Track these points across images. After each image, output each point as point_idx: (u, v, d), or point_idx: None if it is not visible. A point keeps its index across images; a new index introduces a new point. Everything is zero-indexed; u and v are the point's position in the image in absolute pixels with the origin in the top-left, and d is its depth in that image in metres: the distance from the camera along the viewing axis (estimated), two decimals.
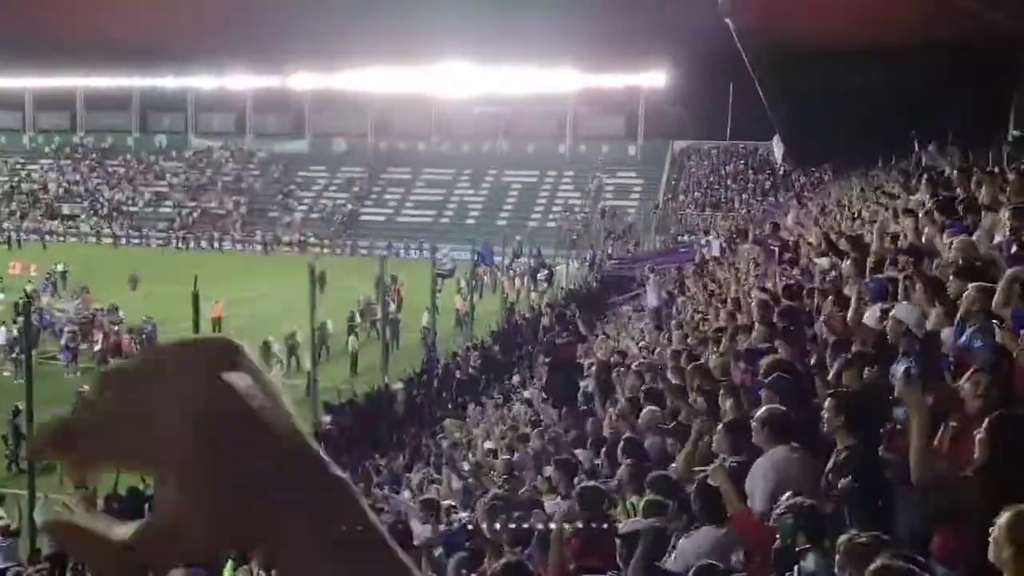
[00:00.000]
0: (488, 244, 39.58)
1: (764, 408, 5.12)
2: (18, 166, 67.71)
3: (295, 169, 63.59)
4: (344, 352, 25.35)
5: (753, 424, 4.98)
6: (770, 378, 6.38)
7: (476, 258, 35.19)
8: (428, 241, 41.58)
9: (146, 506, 12.20)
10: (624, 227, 51.33)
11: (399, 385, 20.02)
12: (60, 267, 36.05)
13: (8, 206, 62.41)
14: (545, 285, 34.83)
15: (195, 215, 59.55)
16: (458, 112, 61.90)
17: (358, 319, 28.05)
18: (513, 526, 5.79)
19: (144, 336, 26.00)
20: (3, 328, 24.74)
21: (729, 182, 55.67)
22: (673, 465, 6.42)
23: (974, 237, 7.33)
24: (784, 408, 5.10)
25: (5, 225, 57.01)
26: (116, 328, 26.22)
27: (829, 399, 4.87)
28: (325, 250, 48.79)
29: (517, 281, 38.03)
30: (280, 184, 62.43)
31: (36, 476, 13.67)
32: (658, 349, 12.13)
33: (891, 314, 5.93)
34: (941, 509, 3.86)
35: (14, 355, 23.00)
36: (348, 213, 58.50)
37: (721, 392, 6.60)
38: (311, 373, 21.37)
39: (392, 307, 28.83)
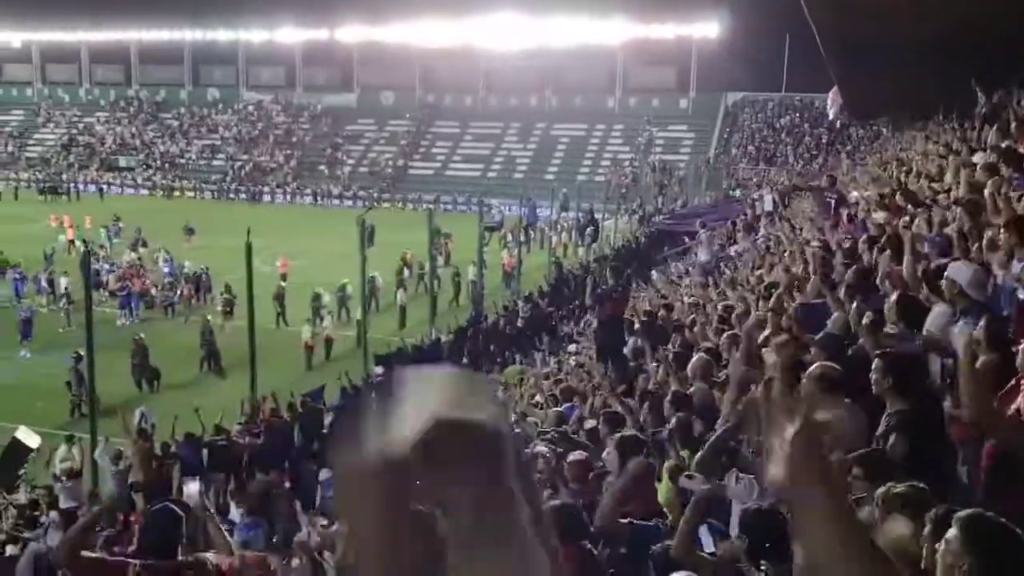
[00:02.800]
0: (532, 202, 39.42)
1: (817, 365, 5.02)
2: (75, 119, 69.01)
3: (344, 123, 63.77)
4: (392, 305, 25.60)
5: (804, 381, 4.90)
6: (820, 335, 6.27)
7: (523, 215, 35.13)
8: (475, 195, 41.50)
9: (204, 451, 12.56)
10: (674, 181, 50.65)
11: (447, 337, 20.18)
12: (115, 219, 36.84)
13: (67, 158, 63.77)
14: (592, 240, 34.63)
15: (247, 168, 60.23)
16: (506, 65, 61.27)
17: (406, 273, 28.28)
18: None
19: (200, 285, 26.65)
20: (64, 277, 25.43)
21: (783, 136, 54.47)
22: (720, 418, 6.38)
23: None
24: (837, 365, 5.01)
25: (64, 176, 58.27)
26: (168, 278, 26.80)
27: (876, 359, 4.72)
28: (375, 204, 49.01)
29: (564, 236, 37.87)
30: (329, 138, 62.73)
31: (98, 420, 14.13)
32: (708, 304, 12.00)
33: (946, 273, 5.75)
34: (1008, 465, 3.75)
35: (63, 304, 23.64)
36: (396, 167, 58.65)
37: (771, 347, 6.51)
38: (362, 324, 21.65)
39: (440, 261, 28.96)
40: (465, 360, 18.73)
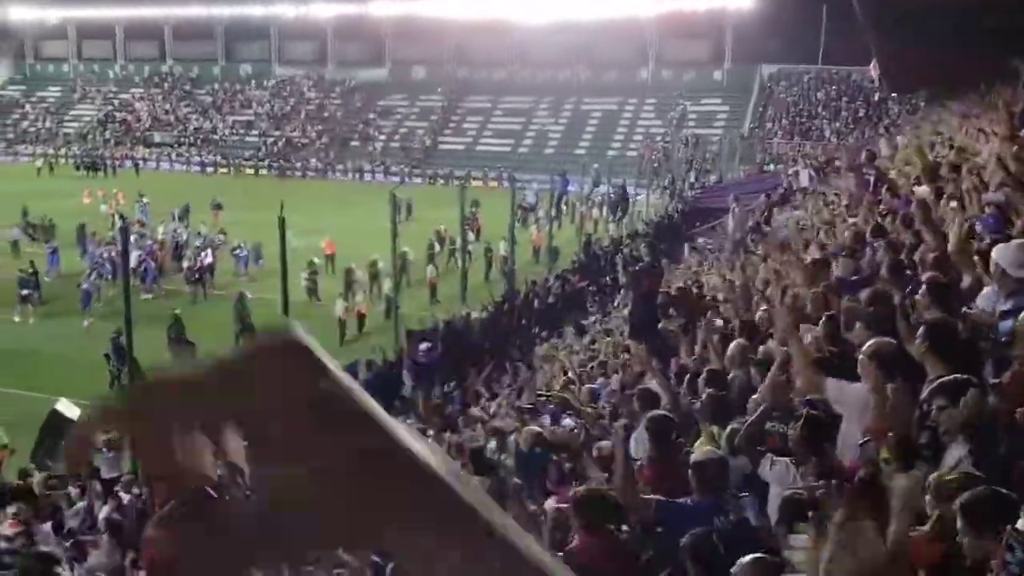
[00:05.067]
0: (565, 179, 39.22)
1: (873, 341, 4.93)
2: (111, 95, 69.69)
3: (375, 98, 63.75)
4: (423, 281, 25.66)
5: (860, 358, 4.83)
6: (866, 311, 6.16)
7: (556, 192, 34.98)
8: (507, 170, 41.38)
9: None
10: (707, 156, 50.10)
11: (477, 314, 20.19)
12: (144, 198, 37.23)
13: (103, 134, 64.49)
14: (624, 215, 34.39)
15: (279, 144, 60.52)
16: (538, 39, 60.76)
17: (437, 248, 28.32)
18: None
19: (238, 259, 27.02)
20: (104, 249, 25.78)
21: (820, 109, 53.55)
22: (755, 396, 6.31)
23: None
24: (894, 341, 4.92)
25: (101, 152, 58.98)
26: (202, 252, 27.05)
27: (921, 328, 4.72)
28: (406, 179, 49.11)
29: (595, 211, 37.66)
30: (361, 113, 62.76)
31: None
32: (741, 280, 11.85)
33: (991, 255, 5.61)
34: None
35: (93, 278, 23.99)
36: (427, 142, 58.60)
37: (812, 325, 6.40)
38: (392, 300, 21.74)
39: (471, 236, 28.95)
40: (498, 335, 18.75)
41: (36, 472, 11.54)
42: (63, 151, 59.55)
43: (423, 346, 16.83)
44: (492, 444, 8.55)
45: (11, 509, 9.05)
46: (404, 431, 0.52)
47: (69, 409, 12.91)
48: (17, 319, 22.33)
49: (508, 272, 25.42)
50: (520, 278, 23.88)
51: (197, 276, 25.15)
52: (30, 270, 23.61)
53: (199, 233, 29.61)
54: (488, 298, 20.93)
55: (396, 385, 15.85)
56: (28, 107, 69.69)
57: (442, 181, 49.44)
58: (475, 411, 12.21)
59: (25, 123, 67.70)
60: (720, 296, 10.85)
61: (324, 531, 0.49)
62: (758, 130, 52.84)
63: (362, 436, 0.50)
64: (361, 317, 22.30)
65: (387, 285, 23.24)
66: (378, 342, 18.24)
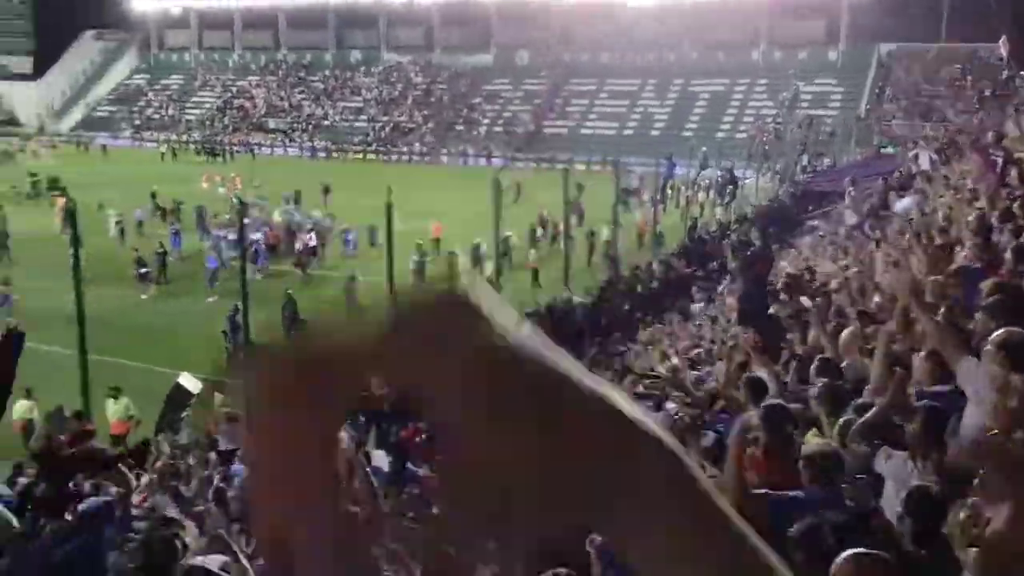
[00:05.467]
0: (671, 162, 38.58)
1: (1003, 330, 4.67)
2: (229, 82, 72.50)
3: (480, 82, 64.17)
4: (525, 264, 25.74)
5: (987, 348, 4.59)
6: (990, 300, 5.84)
7: (661, 176, 34.46)
8: (611, 154, 40.99)
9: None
10: (821, 138, 48.39)
11: (579, 298, 20.13)
12: (256, 182, 38.77)
13: (222, 120, 67.21)
14: (732, 199, 33.61)
15: (387, 129, 61.71)
16: (644, 20, 59.85)
17: (539, 232, 28.34)
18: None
19: (346, 243, 27.77)
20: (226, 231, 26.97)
21: (942, 89, 50.90)
22: (868, 386, 6.08)
23: None
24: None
25: (220, 138, 61.51)
26: (310, 235, 27.91)
27: None
28: (510, 163, 49.30)
29: (702, 195, 36.95)
30: (466, 98, 63.31)
31: None
32: (855, 268, 11.44)
33: None
34: None
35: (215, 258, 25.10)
36: (531, 126, 58.65)
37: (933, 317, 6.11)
38: (493, 283, 21.95)
39: (574, 221, 28.87)
40: (599, 320, 18.68)
41: (160, 442, 12.18)
42: (184, 137, 62.43)
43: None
44: None
45: (144, 479, 9.57)
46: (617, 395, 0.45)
47: (191, 383, 13.55)
48: (144, 296, 23.57)
49: (611, 257, 25.24)
50: (623, 263, 23.67)
51: (304, 258, 25.98)
52: (159, 249, 24.92)
53: (309, 216, 30.61)
54: (590, 283, 20.84)
55: None
56: (152, 95, 73.26)
57: (546, 165, 49.42)
58: None
59: (150, 111, 71.21)
60: (834, 283, 10.50)
61: (541, 506, 0.43)
62: (875, 111, 50.68)
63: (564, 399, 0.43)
64: None
65: (488, 268, 23.43)
66: None
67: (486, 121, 60.63)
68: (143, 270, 24.16)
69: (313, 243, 26.89)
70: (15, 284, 21.23)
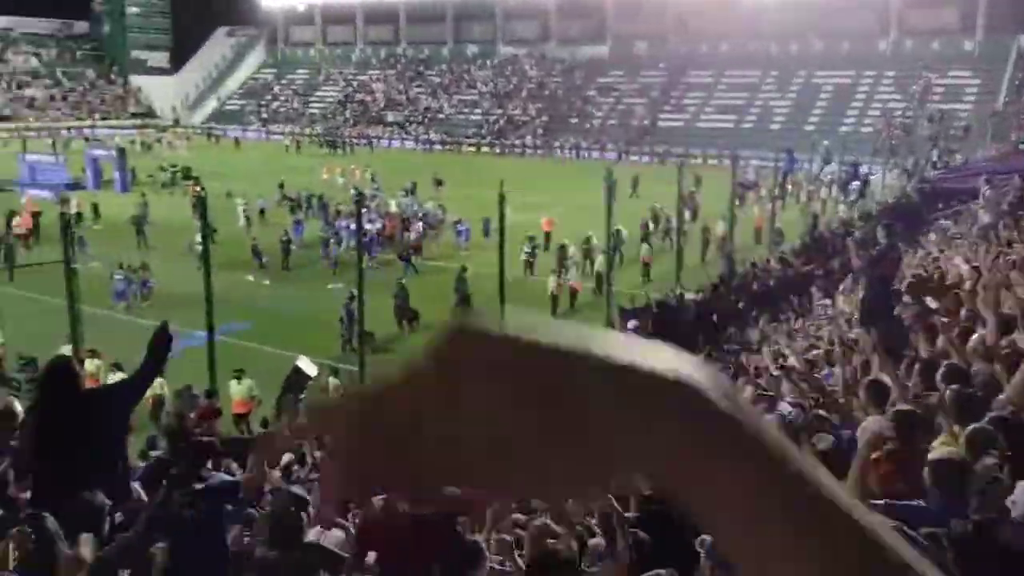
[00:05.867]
0: (791, 156, 37.40)
1: None
2: (351, 76, 74.63)
3: (595, 75, 63.83)
4: (637, 259, 25.53)
5: None
6: None
7: (781, 170, 33.41)
8: (729, 148, 40.09)
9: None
10: (954, 132, 45.92)
11: (691, 295, 19.80)
12: (369, 173, 40.00)
13: (343, 113, 69.26)
14: (857, 196, 32.31)
15: (500, 121, 62.20)
16: (766, 9, 58.17)
17: (651, 227, 28.01)
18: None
19: (459, 233, 28.19)
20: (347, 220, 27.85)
21: None
22: (1001, 396, 5.75)
23: None
24: None
25: (341, 131, 63.45)
26: (421, 224, 28.46)
27: None
28: (623, 156, 48.97)
29: (824, 191, 35.68)
30: (580, 90, 63.10)
31: (367, 356, 15.41)
32: (989, 269, 10.80)
33: None
34: None
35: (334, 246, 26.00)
36: (646, 119, 57.97)
37: None
38: (605, 277, 21.80)
39: (688, 216, 28.40)
40: (712, 317, 18.33)
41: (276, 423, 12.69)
42: (308, 130, 64.69)
43: (631, 324, 16.73)
44: None
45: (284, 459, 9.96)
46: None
47: (308, 366, 14.06)
48: (266, 282, 24.57)
49: (726, 252, 24.71)
50: (739, 260, 23.14)
51: (409, 251, 26.55)
52: (283, 237, 25.99)
53: (423, 207, 31.27)
54: (703, 279, 20.47)
55: None
56: (278, 89, 76.19)
57: (659, 159, 48.84)
58: None
59: (276, 104, 74.07)
60: (965, 285, 9.96)
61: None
62: (1013, 105, 47.70)
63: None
64: (573, 293, 22.58)
65: (599, 262, 23.34)
66: (589, 317, 18.39)
67: (600, 114, 60.31)
68: (261, 258, 25.20)
69: (418, 234, 27.52)
70: (152, 269, 22.51)
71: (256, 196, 32.68)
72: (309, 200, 33.00)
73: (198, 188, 30.93)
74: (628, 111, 59.32)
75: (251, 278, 24.33)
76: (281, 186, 35.86)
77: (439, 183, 37.83)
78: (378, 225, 27.59)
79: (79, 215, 28.12)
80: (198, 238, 24.77)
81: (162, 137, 61.01)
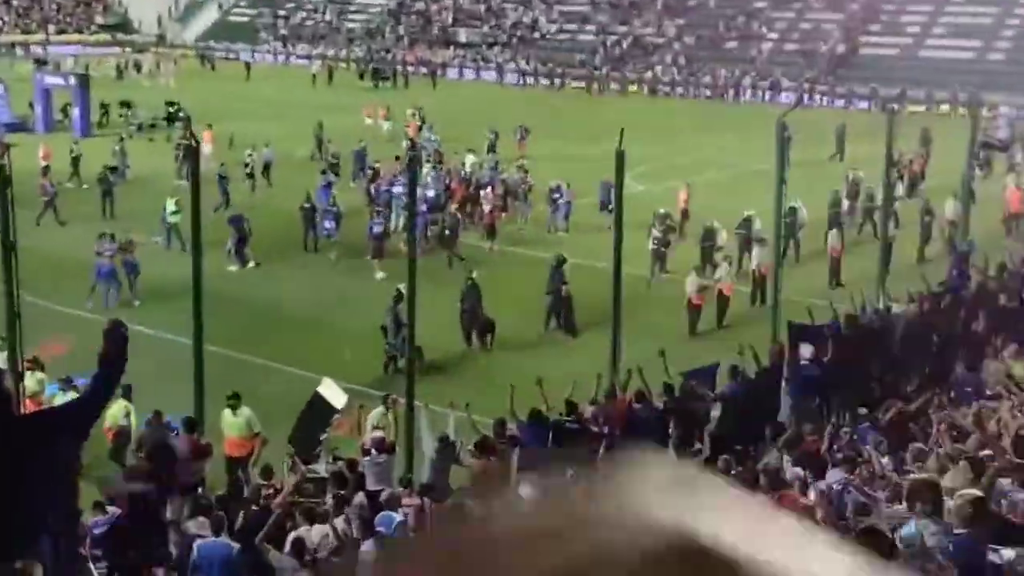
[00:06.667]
0: None
1: None
2: None
3: None
4: (821, 252, 25.20)
5: None
6: None
7: None
8: (967, 89, 39.16)
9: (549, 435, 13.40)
10: None
11: (902, 307, 19.48)
12: (415, 113, 40.40)
13: (395, 30, 69.97)
14: None
15: (623, 45, 62.03)
16: None
17: (845, 204, 27.51)
18: None
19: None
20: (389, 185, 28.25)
21: None
22: None
23: None
24: None
25: (390, 56, 64.09)
26: (488, 192, 28.65)
27: None
28: (804, 99, 48.32)
29: None
30: (741, 2, 62.52)
31: (416, 380, 15.52)
32: None
33: None
34: None
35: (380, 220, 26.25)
36: (841, 44, 57.22)
37: None
38: (770, 276, 21.54)
39: (901, 190, 27.82)
40: (934, 340, 17.93)
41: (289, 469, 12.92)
42: (344, 53, 65.70)
43: (804, 350, 16.50)
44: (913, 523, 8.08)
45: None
46: None
47: (334, 394, 14.21)
48: (254, 265, 24.89)
49: (956, 245, 24.18)
50: (979, 256, 22.60)
51: (486, 229, 26.71)
52: (304, 203, 26.42)
53: (500, 170, 31.39)
54: (921, 285, 20.08)
55: (771, 405, 15.69)
56: None
57: (863, 103, 48.02)
58: (885, 459, 11.73)
59: (300, 15, 75.44)
60: None
61: None
62: None
63: None
64: (723, 299, 22.36)
65: (762, 255, 23.10)
66: (747, 338, 18.16)
67: (773, 36, 59.70)
68: (234, 243, 24.92)
69: (491, 206, 27.65)
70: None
71: (263, 145, 33.23)
72: (336, 161, 33.29)
73: (209, 133, 31.71)
74: (814, 32, 58.62)
75: (264, 262, 24.88)
76: (320, 129, 36.97)
77: (525, 133, 37.96)
78: (431, 193, 27.77)
79: (46, 168, 29.32)
80: (171, 206, 25.48)
81: (141, 60, 62.84)
